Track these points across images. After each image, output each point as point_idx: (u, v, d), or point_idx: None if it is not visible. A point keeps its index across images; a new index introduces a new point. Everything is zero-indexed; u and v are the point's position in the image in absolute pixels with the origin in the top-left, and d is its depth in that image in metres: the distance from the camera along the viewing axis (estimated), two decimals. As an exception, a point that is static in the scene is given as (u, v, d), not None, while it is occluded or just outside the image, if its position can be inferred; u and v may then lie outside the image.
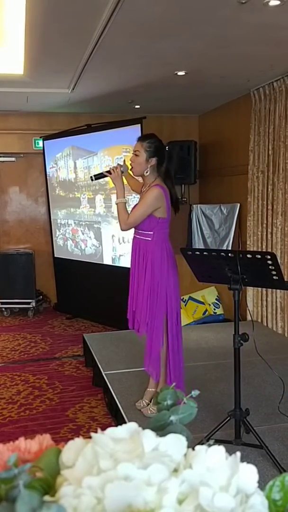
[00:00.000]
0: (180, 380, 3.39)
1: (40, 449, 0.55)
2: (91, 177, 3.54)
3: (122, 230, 3.40)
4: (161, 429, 0.58)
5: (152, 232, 3.30)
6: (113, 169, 3.36)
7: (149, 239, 3.31)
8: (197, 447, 0.49)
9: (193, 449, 0.49)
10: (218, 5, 3.13)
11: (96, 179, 3.51)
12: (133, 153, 3.36)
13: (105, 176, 3.43)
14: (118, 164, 3.48)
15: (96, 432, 0.50)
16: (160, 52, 4.07)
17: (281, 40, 3.83)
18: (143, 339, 3.62)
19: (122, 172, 3.38)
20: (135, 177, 3.60)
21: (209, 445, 0.49)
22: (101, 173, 3.47)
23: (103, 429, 0.51)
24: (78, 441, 0.50)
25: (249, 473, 0.47)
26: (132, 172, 3.39)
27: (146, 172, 3.31)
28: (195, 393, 0.66)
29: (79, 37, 3.73)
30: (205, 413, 3.30)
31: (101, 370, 4.19)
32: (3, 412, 3.88)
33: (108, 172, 3.39)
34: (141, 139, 3.37)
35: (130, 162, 3.39)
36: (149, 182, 3.34)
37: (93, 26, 3.48)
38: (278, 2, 3.07)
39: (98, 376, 4.29)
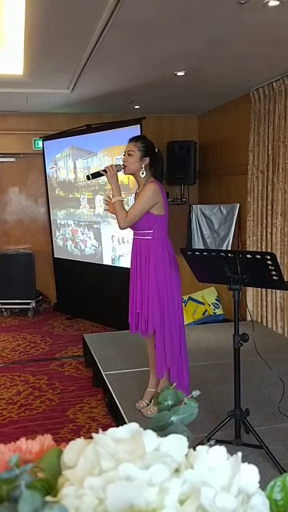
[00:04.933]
0: (185, 379, 3.40)
1: (41, 449, 0.55)
2: (87, 176, 3.58)
3: (121, 228, 3.40)
4: (162, 429, 0.58)
5: (152, 231, 3.31)
6: (108, 168, 3.39)
7: (150, 237, 3.32)
8: (199, 447, 0.49)
9: (194, 449, 0.49)
10: (217, 5, 3.14)
11: (92, 178, 3.56)
12: (125, 153, 3.39)
13: (101, 175, 3.46)
14: (112, 164, 3.50)
15: (96, 432, 0.50)
16: (159, 52, 4.07)
17: (281, 40, 3.83)
18: (143, 340, 3.62)
19: (117, 170, 3.41)
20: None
21: (210, 445, 0.49)
22: (97, 172, 3.51)
23: (103, 429, 0.51)
24: (79, 441, 0.50)
25: (250, 473, 0.47)
26: (124, 171, 3.40)
27: (142, 174, 3.33)
28: (195, 393, 0.66)
29: (78, 38, 3.73)
30: (205, 413, 3.30)
31: (101, 370, 4.19)
32: (3, 412, 3.88)
33: (104, 171, 3.42)
34: (133, 139, 3.42)
35: (122, 162, 3.41)
36: (143, 182, 3.36)
37: (93, 27, 3.48)
38: (278, 3, 3.08)
39: (98, 377, 4.29)
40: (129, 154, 3.35)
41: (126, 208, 3.42)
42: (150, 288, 3.29)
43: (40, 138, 6.73)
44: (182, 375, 3.39)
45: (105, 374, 4.10)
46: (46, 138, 6.63)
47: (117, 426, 0.51)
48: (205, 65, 4.54)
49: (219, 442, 0.60)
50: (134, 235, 3.44)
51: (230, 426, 2.92)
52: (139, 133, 5.22)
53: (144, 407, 3.49)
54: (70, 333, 6.02)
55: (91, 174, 3.54)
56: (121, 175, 3.53)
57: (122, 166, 3.40)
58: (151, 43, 3.83)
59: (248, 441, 2.89)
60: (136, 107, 6.30)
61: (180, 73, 4.74)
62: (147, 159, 3.34)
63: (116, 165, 3.43)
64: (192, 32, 3.64)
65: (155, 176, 3.40)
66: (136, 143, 3.35)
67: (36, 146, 6.87)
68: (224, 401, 3.46)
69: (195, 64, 4.49)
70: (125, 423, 3.23)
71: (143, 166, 3.34)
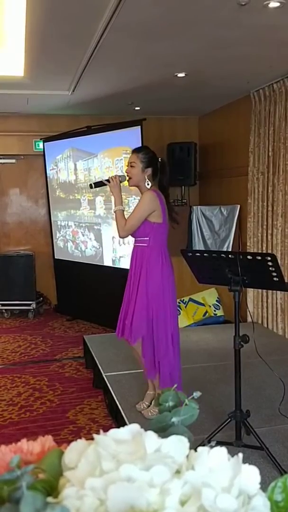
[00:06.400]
0: (178, 383, 3.39)
1: (42, 450, 0.55)
2: (90, 184, 3.67)
3: (121, 237, 3.48)
4: (163, 431, 0.59)
5: (147, 238, 3.33)
6: (112, 178, 3.46)
7: (145, 244, 3.34)
8: (199, 449, 0.49)
9: (195, 450, 0.49)
10: (218, 6, 3.14)
11: (95, 187, 3.65)
12: (128, 165, 3.43)
13: (104, 184, 3.53)
14: (116, 174, 3.55)
15: (96, 433, 0.50)
16: (160, 54, 4.08)
17: (281, 41, 3.83)
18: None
19: (121, 181, 3.46)
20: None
21: (211, 447, 0.50)
22: (101, 181, 3.57)
23: (104, 431, 0.51)
24: (80, 442, 0.50)
25: (251, 474, 0.47)
26: (129, 182, 3.45)
27: (148, 184, 3.36)
28: (196, 394, 0.66)
29: (79, 39, 3.74)
30: (206, 415, 3.30)
31: (102, 371, 4.19)
32: (3, 414, 3.88)
33: (107, 180, 3.48)
34: (135, 151, 3.47)
35: (126, 173, 3.45)
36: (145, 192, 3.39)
37: (93, 28, 3.48)
38: (278, 4, 3.08)
39: (98, 378, 4.29)
40: (131, 166, 3.40)
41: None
42: (138, 297, 3.31)
43: (40, 139, 6.73)
44: (171, 380, 3.36)
45: (105, 376, 4.10)
46: (46, 139, 6.63)
47: (118, 427, 0.51)
48: (205, 66, 4.54)
49: (219, 443, 0.60)
50: (134, 242, 3.48)
51: (231, 427, 2.91)
52: (139, 135, 5.24)
53: (144, 409, 3.49)
54: (71, 335, 6.02)
55: (94, 183, 3.61)
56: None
57: (126, 177, 3.44)
58: (151, 44, 3.84)
59: (249, 442, 2.89)
60: (136, 108, 6.30)
61: (181, 75, 4.74)
62: (149, 170, 3.38)
63: (120, 176, 3.50)
64: (192, 34, 3.65)
65: (160, 185, 3.43)
66: (138, 154, 3.40)
67: (37, 147, 6.87)
68: (225, 403, 3.45)
69: (196, 66, 4.50)
70: (126, 424, 3.22)
71: (146, 177, 3.37)
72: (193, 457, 0.48)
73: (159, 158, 3.51)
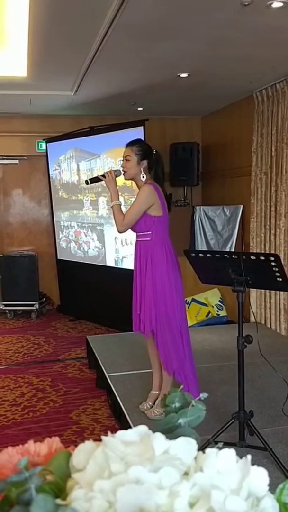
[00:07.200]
0: (193, 380, 3.40)
1: (49, 452, 0.55)
2: (86, 181, 3.63)
3: (119, 231, 3.45)
4: (170, 432, 0.58)
5: (150, 232, 3.33)
6: (107, 173, 3.44)
7: (148, 239, 3.34)
8: (208, 450, 0.49)
9: (203, 451, 0.49)
10: (220, 7, 3.14)
11: (91, 182, 3.61)
12: (123, 159, 3.42)
13: (100, 180, 3.51)
14: (111, 169, 3.54)
15: (99, 434, 0.50)
16: (162, 54, 4.08)
17: (284, 41, 3.83)
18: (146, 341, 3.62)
19: (116, 176, 3.45)
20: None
21: (219, 448, 0.49)
22: (96, 177, 3.56)
23: (107, 431, 0.51)
24: (88, 444, 0.50)
25: (260, 476, 0.47)
26: (124, 176, 3.44)
27: (143, 177, 3.36)
28: (203, 396, 0.66)
29: (82, 40, 3.74)
30: (209, 415, 3.28)
31: (105, 372, 4.19)
32: (7, 414, 3.88)
33: (103, 176, 3.46)
34: (129, 144, 3.45)
35: (121, 167, 3.44)
36: (142, 185, 3.38)
37: (96, 29, 3.48)
38: (281, 4, 3.08)
39: (101, 378, 4.29)
40: (126, 160, 3.39)
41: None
42: (147, 290, 3.31)
43: (43, 140, 6.74)
44: (188, 377, 3.38)
45: (108, 376, 4.10)
46: (49, 140, 6.64)
47: (121, 428, 0.51)
48: (208, 66, 4.54)
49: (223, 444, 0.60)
50: (136, 237, 3.47)
51: (234, 428, 2.91)
52: (142, 135, 5.25)
53: (148, 409, 3.49)
54: (74, 335, 6.02)
55: (90, 179, 3.59)
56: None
57: (121, 172, 3.43)
58: (154, 45, 3.84)
59: (252, 443, 2.88)
60: (139, 109, 6.30)
61: (183, 75, 4.74)
62: (144, 162, 3.37)
63: (115, 171, 3.48)
64: (195, 34, 3.65)
65: (156, 178, 3.42)
66: (132, 148, 3.39)
67: (40, 148, 6.88)
68: (228, 403, 3.45)
69: (198, 66, 4.49)
70: (129, 425, 3.22)
71: (141, 169, 3.37)
72: (201, 459, 0.48)
73: (154, 150, 3.50)
